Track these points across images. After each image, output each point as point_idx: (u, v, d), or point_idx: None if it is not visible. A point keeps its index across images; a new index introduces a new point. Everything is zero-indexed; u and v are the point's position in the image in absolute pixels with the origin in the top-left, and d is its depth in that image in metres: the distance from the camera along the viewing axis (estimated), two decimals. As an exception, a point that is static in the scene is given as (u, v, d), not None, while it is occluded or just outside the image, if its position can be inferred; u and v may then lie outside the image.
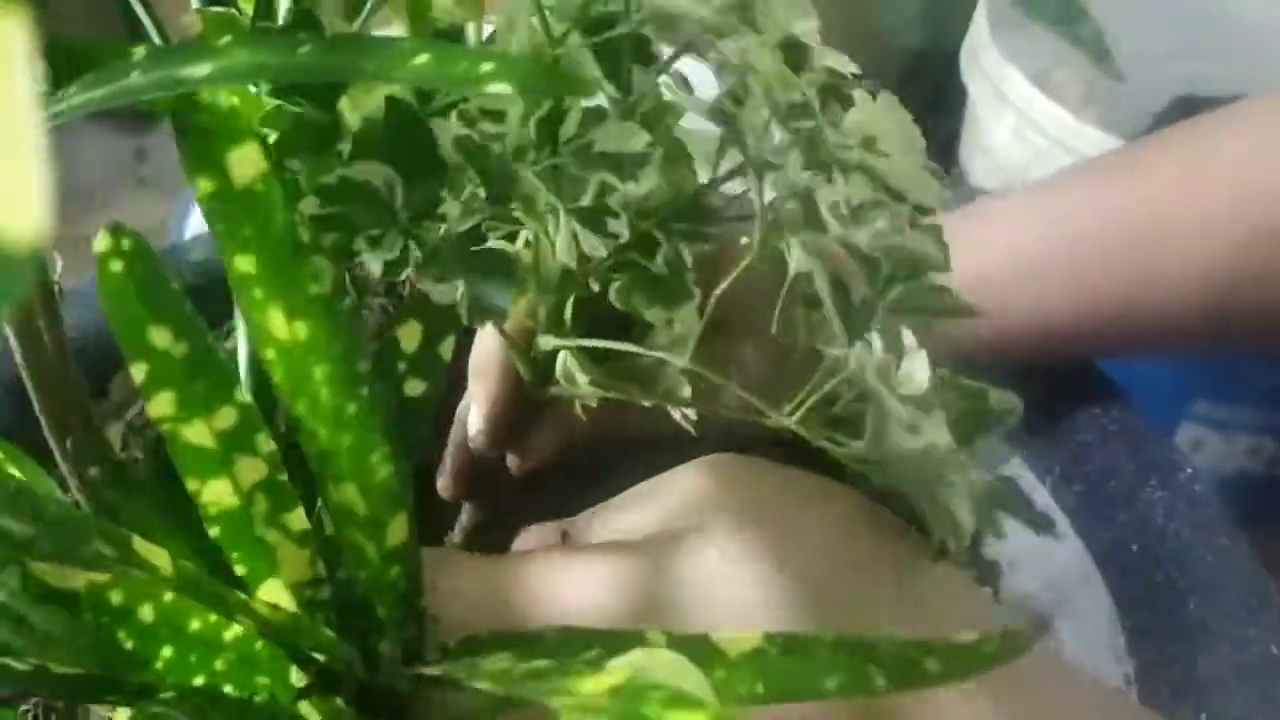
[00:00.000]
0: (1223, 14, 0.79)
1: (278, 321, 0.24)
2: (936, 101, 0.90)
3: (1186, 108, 0.77)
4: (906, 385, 0.24)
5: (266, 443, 0.26)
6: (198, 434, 0.25)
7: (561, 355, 0.28)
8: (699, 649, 0.23)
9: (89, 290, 0.42)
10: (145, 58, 0.21)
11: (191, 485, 0.25)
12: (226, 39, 0.21)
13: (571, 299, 0.26)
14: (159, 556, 0.23)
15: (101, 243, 0.26)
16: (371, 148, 0.24)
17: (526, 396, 0.30)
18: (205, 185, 0.24)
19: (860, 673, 0.22)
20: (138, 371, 0.25)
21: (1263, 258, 0.38)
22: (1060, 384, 0.42)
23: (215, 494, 0.25)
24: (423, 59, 0.19)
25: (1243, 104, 0.41)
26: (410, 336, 0.30)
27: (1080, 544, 0.40)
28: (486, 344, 0.32)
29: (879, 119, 0.23)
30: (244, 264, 0.24)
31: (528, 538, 0.32)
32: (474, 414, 0.32)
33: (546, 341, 0.27)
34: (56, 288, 0.41)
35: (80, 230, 0.30)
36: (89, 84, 0.20)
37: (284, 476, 0.26)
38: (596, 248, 0.23)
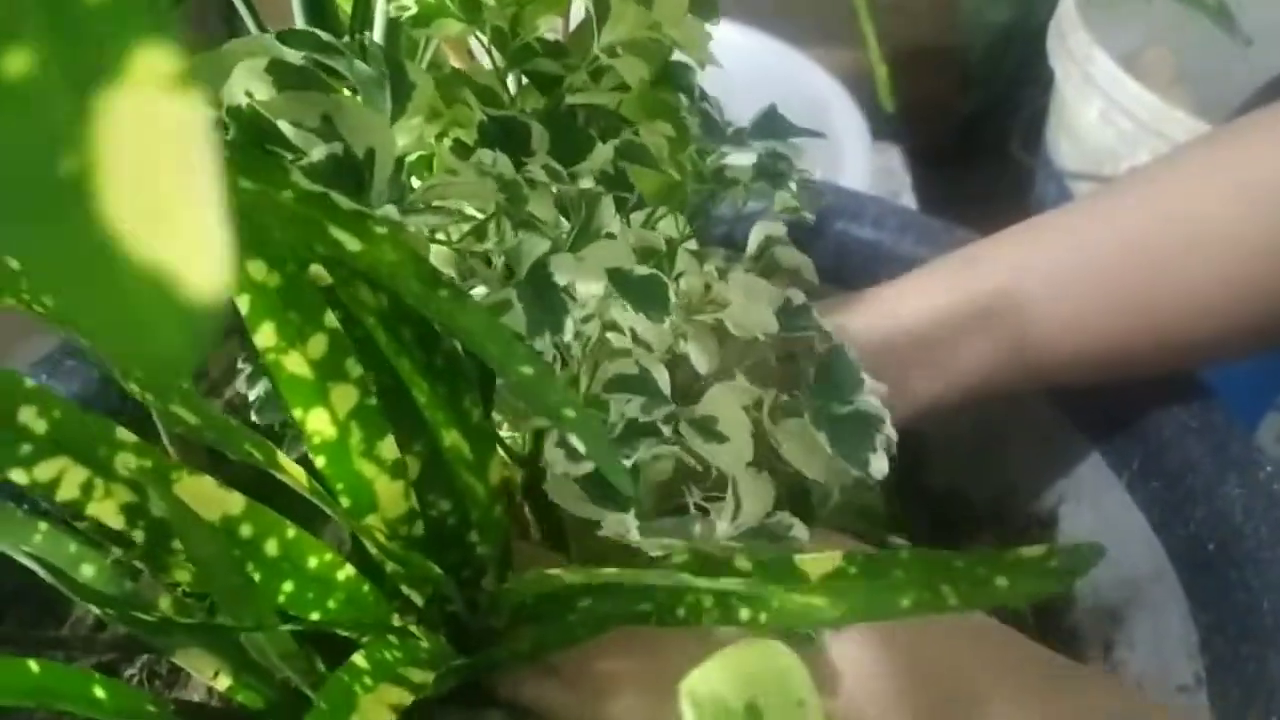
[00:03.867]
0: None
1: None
2: (1022, 79, 0.88)
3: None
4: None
5: (355, 367, 0.27)
6: (296, 364, 0.26)
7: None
8: (784, 571, 0.25)
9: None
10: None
11: (297, 414, 0.27)
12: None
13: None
14: (297, 471, 0.25)
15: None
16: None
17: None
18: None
19: (935, 591, 0.24)
20: (243, 304, 0.26)
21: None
22: (1142, 379, 0.42)
23: (317, 423, 0.27)
24: (528, 371, 0.21)
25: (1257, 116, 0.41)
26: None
27: (1155, 539, 0.40)
28: None
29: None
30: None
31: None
32: None
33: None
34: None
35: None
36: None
37: (373, 400, 0.27)
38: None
